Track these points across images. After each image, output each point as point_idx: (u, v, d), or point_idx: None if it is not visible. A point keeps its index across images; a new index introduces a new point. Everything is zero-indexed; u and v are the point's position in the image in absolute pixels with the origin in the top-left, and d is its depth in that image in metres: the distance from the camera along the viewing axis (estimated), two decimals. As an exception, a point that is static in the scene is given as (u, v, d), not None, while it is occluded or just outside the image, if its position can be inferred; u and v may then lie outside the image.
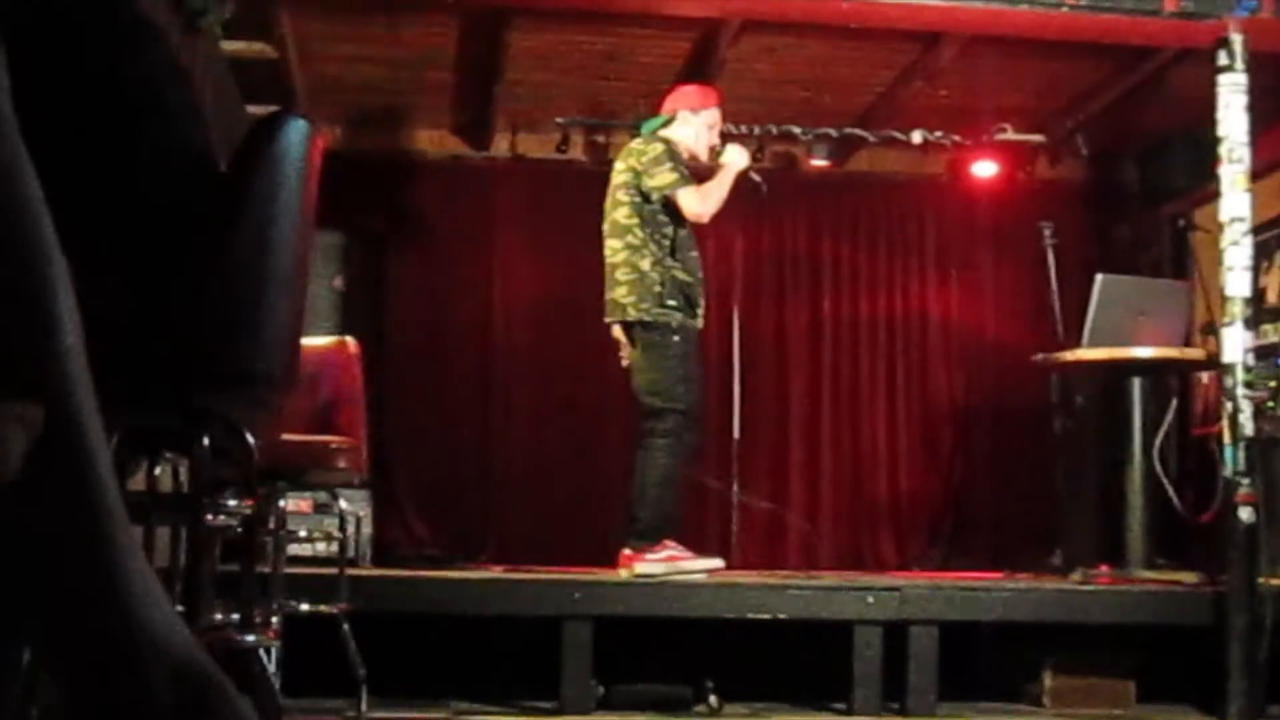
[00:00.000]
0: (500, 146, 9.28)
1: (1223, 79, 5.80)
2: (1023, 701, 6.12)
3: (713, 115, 6.68)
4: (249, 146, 3.00)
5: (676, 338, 6.27)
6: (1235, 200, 5.77)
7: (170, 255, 2.80)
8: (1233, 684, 5.63)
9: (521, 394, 9.21)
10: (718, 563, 6.24)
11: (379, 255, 8.61)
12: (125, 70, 2.88)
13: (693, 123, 6.63)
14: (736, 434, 9.34)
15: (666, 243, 6.34)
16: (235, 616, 3.65)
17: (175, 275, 2.78)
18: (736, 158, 6.49)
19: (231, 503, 3.19)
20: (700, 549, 8.96)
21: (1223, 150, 5.80)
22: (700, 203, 6.29)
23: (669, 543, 6.15)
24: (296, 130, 3.08)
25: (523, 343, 9.27)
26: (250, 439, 3.17)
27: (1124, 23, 5.83)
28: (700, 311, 6.47)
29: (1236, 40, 5.76)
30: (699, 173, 6.62)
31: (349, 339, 5.64)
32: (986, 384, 9.38)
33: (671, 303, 6.29)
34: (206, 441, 3.03)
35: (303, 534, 5.53)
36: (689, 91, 6.79)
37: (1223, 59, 5.79)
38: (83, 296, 2.66)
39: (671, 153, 6.41)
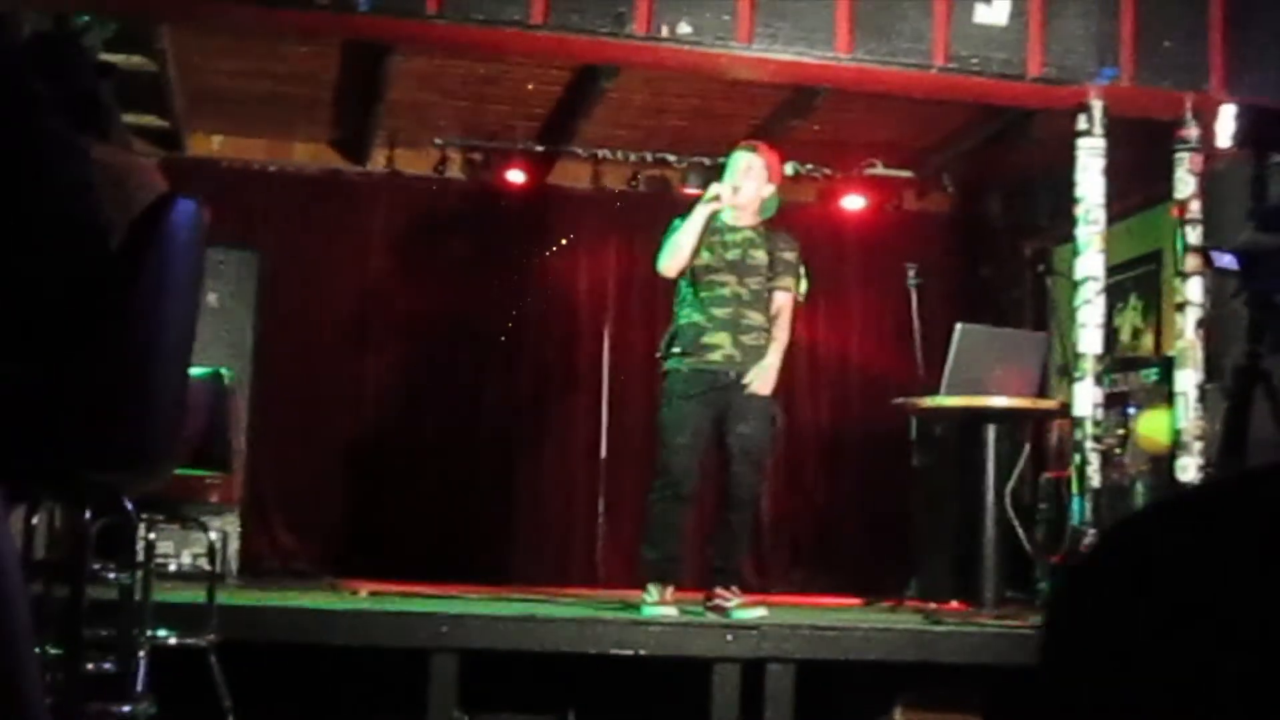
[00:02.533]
0: (378, 162, 9.33)
1: (1081, 143, 6.02)
2: (874, 736, 6.30)
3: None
4: (139, 228, 3.07)
5: (669, 382, 6.34)
6: (1090, 260, 6.00)
7: (60, 335, 2.86)
8: (1074, 723, 5.85)
9: (392, 410, 9.28)
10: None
11: (253, 268, 8.59)
12: (14, 145, 2.93)
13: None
14: (604, 453, 9.52)
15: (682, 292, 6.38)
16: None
17: (65, 355, 2.84)
18: (706, 198, 6.34)
19: (112, 575, 3.25)
20: (565, 569, 9.15)
21: (1079, 212, 6.03)
22: (659, 261, 6.33)
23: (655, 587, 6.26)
24: (185, 212, 3.16)
25: (395, 358, 9.33)
26: (133, 514, 3.25)
27: (990, 85, 6.03)
28: (706, 349, 6.30)
29: (1096, 106, 5.99)
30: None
31: (224, 371, 5.71)
32: (852, 412, 9.61)
33: (674, 349, 6.34)
34: (89, 515, 3.09)
35: (172, 568, 5.55)
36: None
37: (1082, 124, 6.02)
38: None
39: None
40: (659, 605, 6.23)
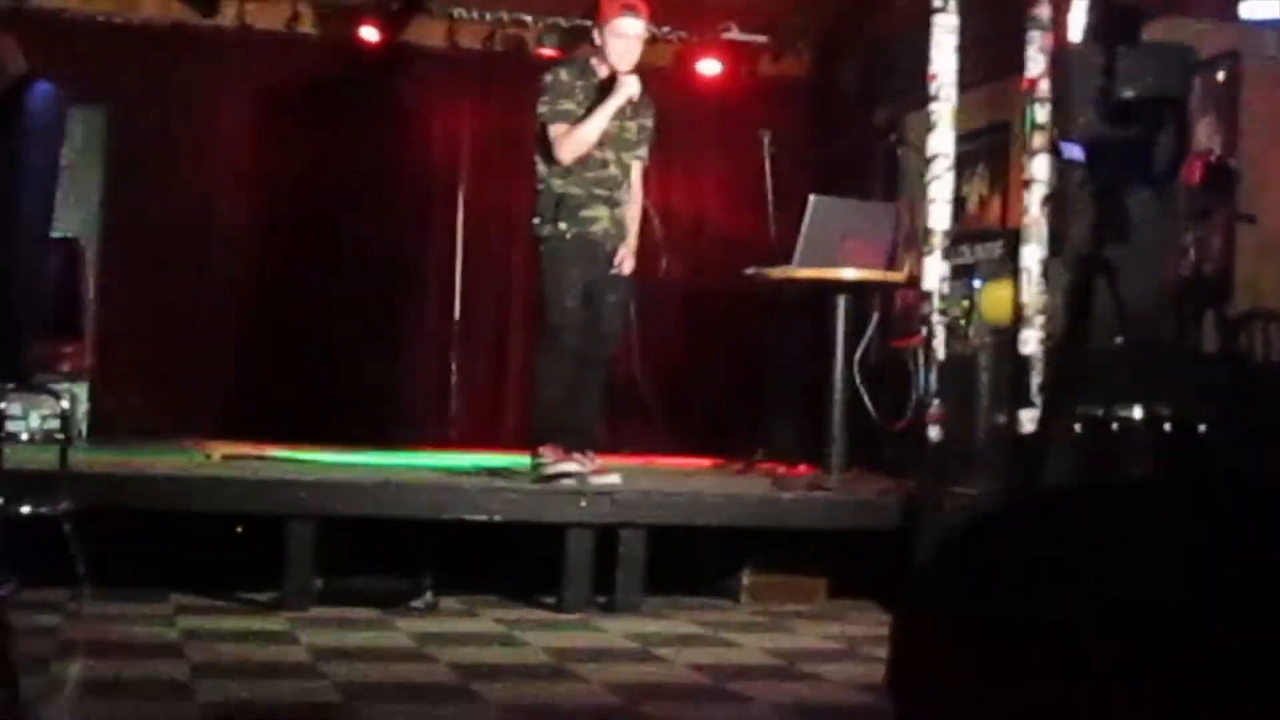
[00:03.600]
0: (228, 16, 9.15)
1: (936, 19, 6.10)
2: (723, 597, 6.48)
3: (617, 25, 6.37)
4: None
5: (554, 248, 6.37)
6: (941, 136, 6.11)
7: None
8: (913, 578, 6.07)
9: (244, 270, 9.20)
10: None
11: (100, 125, 8.41)
12: None
13: (601, 36, 6.43)
14: (457, 314, 9.55)
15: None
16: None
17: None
18: (621, 93, 6.33)
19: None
20: (420, 429, 9.18)
21: (933, 88, 6.12)
22: (560, 148, 6.32)
23: (548, 448, 6.30)
24: (42, 96, 3.11)
25: (246, 217, 9.24)
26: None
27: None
28: (586, 221, 6.39)
29: (950, -17, 6.06)
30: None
31: (75, 238, 5.62)
32: (705, 276, 9.68)
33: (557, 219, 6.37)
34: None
35: (24, 437, 5.50)
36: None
37: (937, 1, 6.08)
38: None
39: (553, 83, 6.37)
40: (562, 463, 6.27)
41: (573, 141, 6.29)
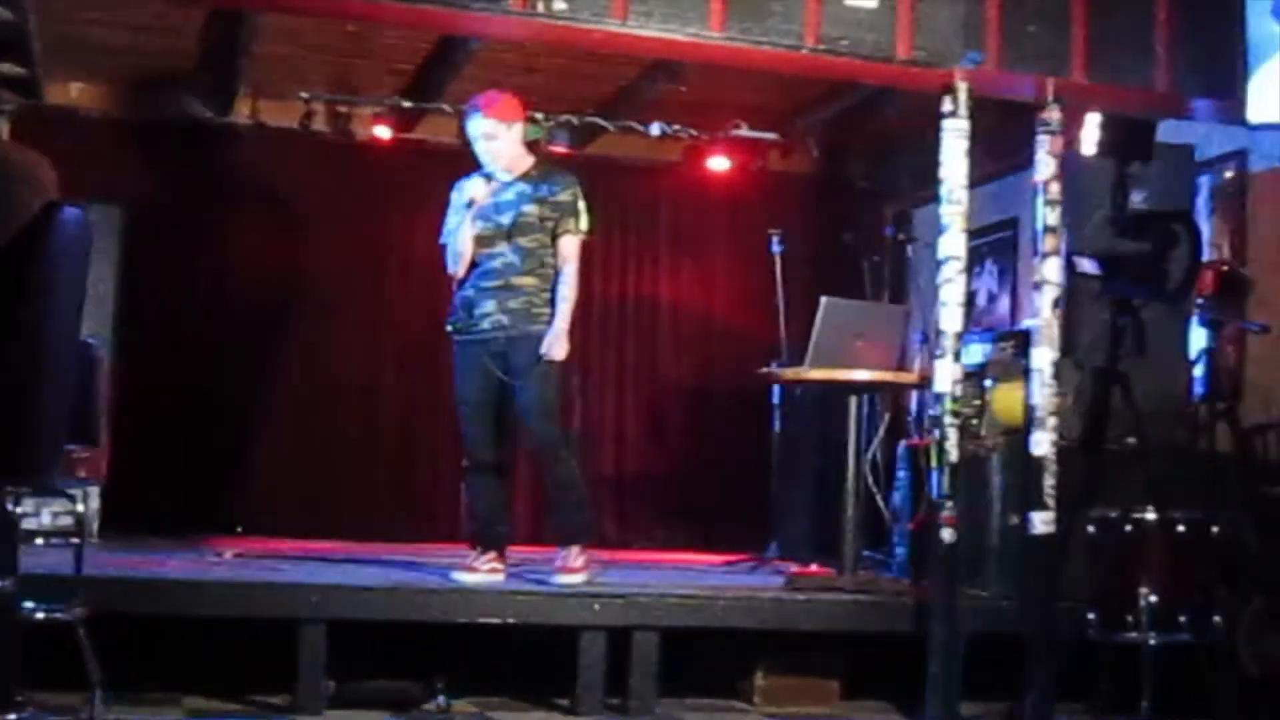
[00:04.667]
0: (242, 113, 9.23)
1: (947, 124, 6.14)
2: (736, 699, 6.46)
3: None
4: (22, 242, 3.03)
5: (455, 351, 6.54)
6: (952, 239, 6.13)
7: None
8: (930, 687, 6.04)
9: (256, 366, 9.23)
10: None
11: (115, 222, 8.44)
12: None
13: None
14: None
15: None
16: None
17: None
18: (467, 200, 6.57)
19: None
20: (430, 525, 9.17)
21: (944, 191, 6.15)
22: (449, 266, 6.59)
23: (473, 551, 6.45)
24: (71, 222, 3.13)
25: (258, 313, 9.28)
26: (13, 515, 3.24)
27: (859, 66, 6.11)
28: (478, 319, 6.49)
29: (961, 89, 6.10)
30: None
31: (90, 343, 5.61)
32: (715, 371, 9.73)
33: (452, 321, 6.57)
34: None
35: (39, 542, 5.50)
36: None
37: (947, 105, 6.13)
38: None
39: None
40: (465, 573, 6.34)
41: (449, 258, 6.53)
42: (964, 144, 6.15)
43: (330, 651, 5.79)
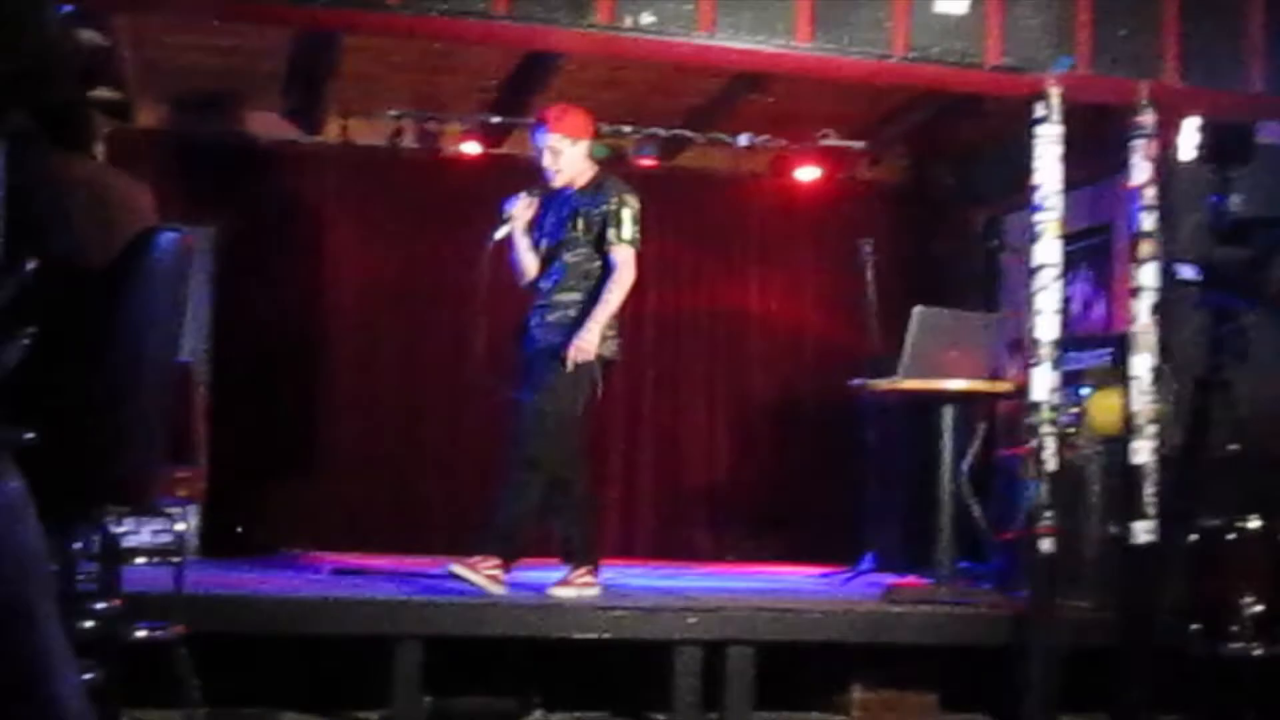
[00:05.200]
0: (331, 132, 9.30)
1: (1040, 130, 6.08)
2: (832, 712, 6.41)
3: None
4: (119, 265, 3.05)
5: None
6: (1046, 246, 6.07)
7: (41, 381, 2.86)
8: (1029, 699, 5.98)
9: (348, 381, 9.28)
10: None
11: (208, 244, 8.54)
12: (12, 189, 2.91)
13: None
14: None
15: None
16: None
17: (49, 401, 2.83)
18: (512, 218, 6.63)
19: (100, 605, 3.27)
20: (532, 540, 9.17)
21: (1037, 198, 6.10)
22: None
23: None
24: (167, 245, 3.15)
25: (351, 329, 9.33)
26: (115, 538, 3.27)
27: (948, 73, 6.08)
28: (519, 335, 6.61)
29: (1053, 94, 6.05)
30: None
31: (188, 364, 5.68)
32: (805, 381, 9.68)
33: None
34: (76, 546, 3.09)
35: (140, 561, 5.55)
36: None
37: (1039, 111, 6.07)
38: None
39: None
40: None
41: (517, 271, 6.60)
42: (1057, 150, 6.10)
43: (426, 667, 5.81)
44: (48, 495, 2.92)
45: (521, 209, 6.54)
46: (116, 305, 3.02)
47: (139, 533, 7.31)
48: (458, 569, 6.19)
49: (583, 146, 6.55)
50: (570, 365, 6.28)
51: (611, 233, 6.39)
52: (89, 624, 3.48)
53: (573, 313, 6.38)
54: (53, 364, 2.89)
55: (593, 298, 6.35)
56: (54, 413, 2.82)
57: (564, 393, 6.33)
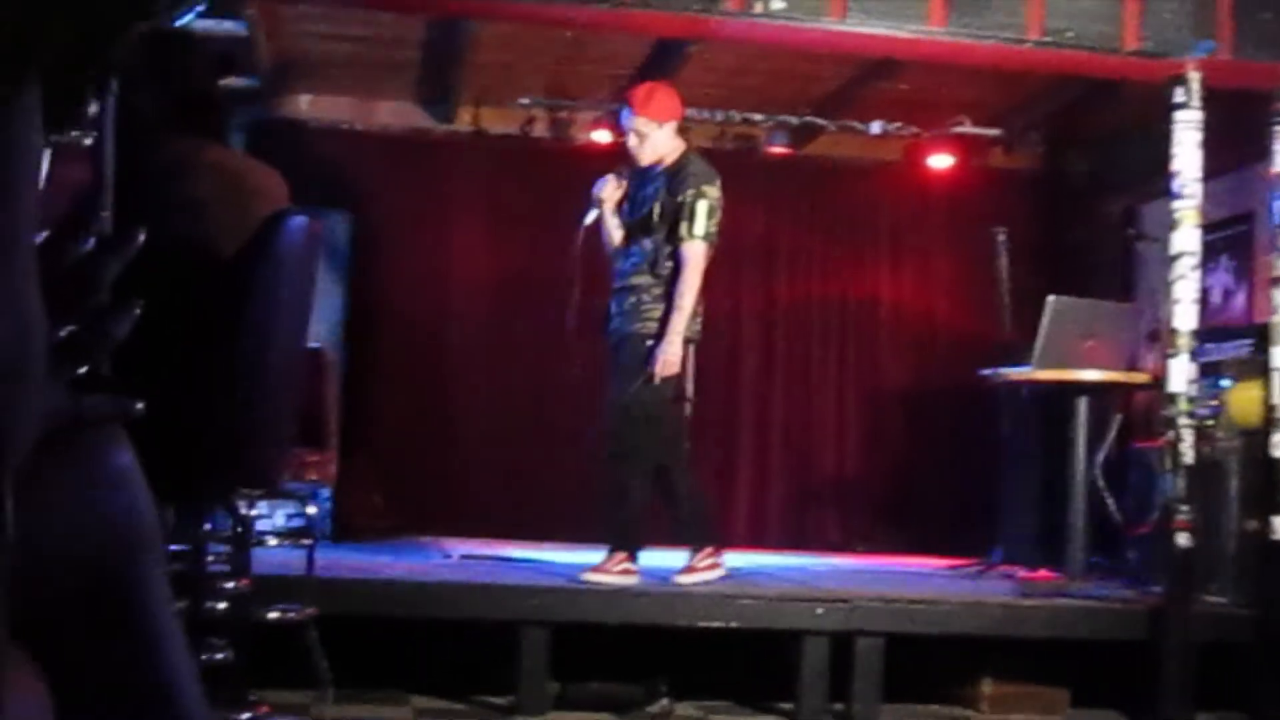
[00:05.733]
0: (464, 121, 9.36)
1: (1178, 116, 5.96)
2: (962, 706, 6.34)
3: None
4: (250, 249, 3.09)
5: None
6: (1185, 235, 5.95)
7: (171, 361, 2.90)
8: (1164, 696, 5.87)
9: (479, 368, 9.33)
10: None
11: (344, 231, 8.63)
12: (143, 174, 2.96)
13: None
14: (686, 411, 9.52)
15: None
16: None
17: (178, 383, 2.87)
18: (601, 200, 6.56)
19: (229, 585, 3.31)
20: (650, 527, 9.16)
21: (1176, 185, 5.97)
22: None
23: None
24: (296, 229, 3.18)
25: (482, 316, 9.38)
26: (247, 519, 3.31)
27: (1084, 58, 5.97)
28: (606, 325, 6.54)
29: (1193, 79, 5.92)
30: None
31: (321, 349, 5.76)
32: (936, 371, 9.57)
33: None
34: (207, 526, 3.13)
35: (273, 543, 5.62)
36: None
37: (1179, 96, 5.95)
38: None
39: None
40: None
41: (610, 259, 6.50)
42: (1196, 136, 5.97)
43: (553, 653, 5.83)
44: (177, 477, 2.97)
45: (610, 191, 6.46)
46: (245, 290, 3.05)
47: (272, 516, 7.44)
48: (591, 577, 6.13)
49: (670, 128, 6.37)
50: (657, 380, 6.19)
51: (684, 227, 6.19)
52: (220, 605, 3.53)
53: (646, 299, 6.25)
54: (184, 348, 2.93)
55: (665, 288, 6.21)
56: (184, 396, 2.86)
57: (654, 396, 6.29)
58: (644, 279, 6.29)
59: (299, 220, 3.14)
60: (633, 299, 6.29)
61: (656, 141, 6.35)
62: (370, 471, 8.85)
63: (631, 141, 6.39)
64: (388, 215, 9.10)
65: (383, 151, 9.30)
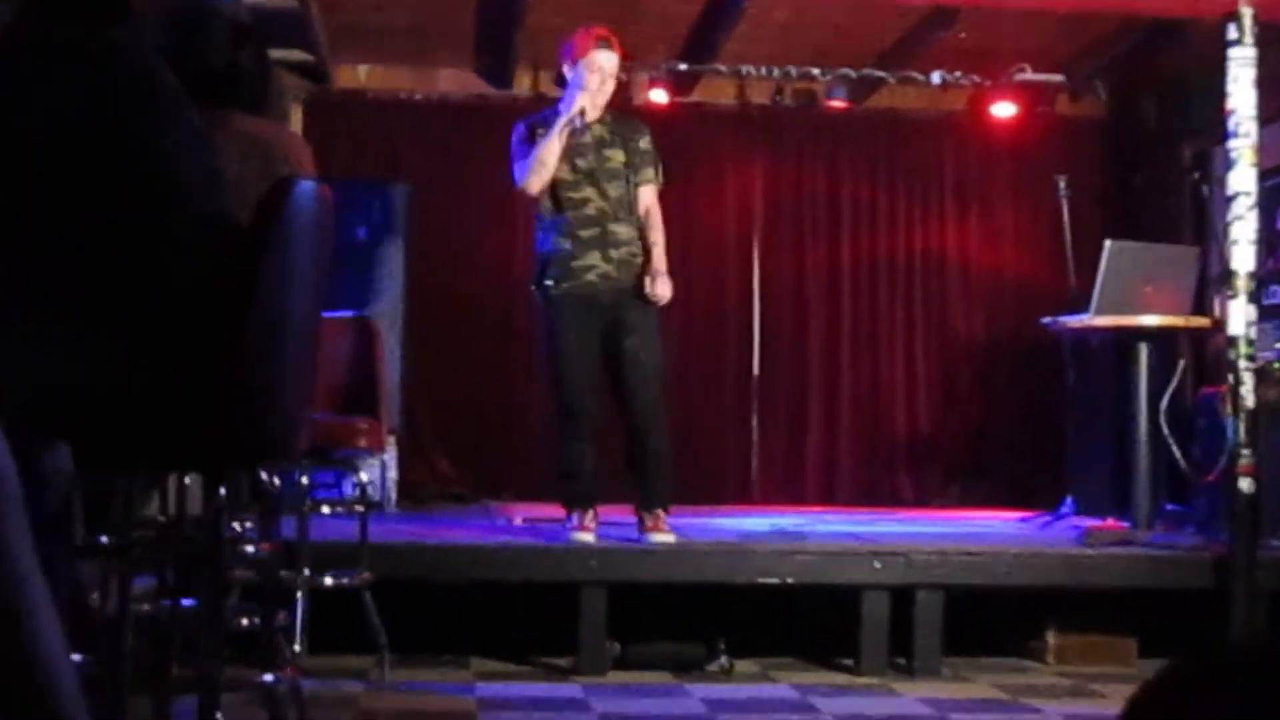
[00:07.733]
0: (522, 84, 9.35)
1: (1232, 53, 5.84)
2: (1027, 658, 6.29)
3: (592, 59, 6.21)
4: (257, 217, 3.09)
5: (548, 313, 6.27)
6: (1241, 174, 5.84)
7: (188, 332, 2.91)
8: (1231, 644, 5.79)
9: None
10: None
11: (403, 201, 8.65)
12: (158, 146, 2.96)
13: (576, 72, 6.26)
14: (756, 370, 9.52)
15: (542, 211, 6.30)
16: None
17: (194, 351, 2.88)
18: (569, 112, 6.18)
19: (250, 549, 3.34)
20: (720, 488, 9.14)
21: (1231, 124, 5.86)
22: (522, 182, 6.25)
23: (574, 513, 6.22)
24: (304, 195, 3.18)
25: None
26: (269, 484, 3.33)
27: (1140, -2, 5.88)
28: (578, 273, 6.21)
29: (1246, 14, 5.80)
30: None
31: (369, 318, 5.78)
32: (1004, 324, 9.48)
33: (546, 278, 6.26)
34: (224, 492, 3.14)
35: (325, 510, 5.66)
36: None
37: (1232, 33, 5.83)
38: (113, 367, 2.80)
39: (515, 143, 6.33)
40: (579, 531, 6.14)
41: (528, 168, 6.16)
42: (1251, 73, 5.84)
43: (612, 613, 5.84)
44: (195, 446, 2.99)
45: (592, 109, 6.19)
46: (255, 259, 3.04)
47: (340, 486, 7.51)
48: (657, 537, 6.12)
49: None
50: (662, 302, 6.22)
51: (651, 172, 6.27)
52: (249, 572, 3.56)
53: (635, 249, 6.23)
54: (203, 320, 2.94)
55: (639, 235, 6.23)
56: (198, 366, 2.87)
57: (659, 339, 6.36)
58: (624, 230, 6.23)
59: (306, 186, 3.13)
60: (623, 251, 6.22)
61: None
62: (437, 439, 8.91)
63: (603, 84, 6.22)
64: (448, 183, 9.12)
65: (441, 119, 9.32)
